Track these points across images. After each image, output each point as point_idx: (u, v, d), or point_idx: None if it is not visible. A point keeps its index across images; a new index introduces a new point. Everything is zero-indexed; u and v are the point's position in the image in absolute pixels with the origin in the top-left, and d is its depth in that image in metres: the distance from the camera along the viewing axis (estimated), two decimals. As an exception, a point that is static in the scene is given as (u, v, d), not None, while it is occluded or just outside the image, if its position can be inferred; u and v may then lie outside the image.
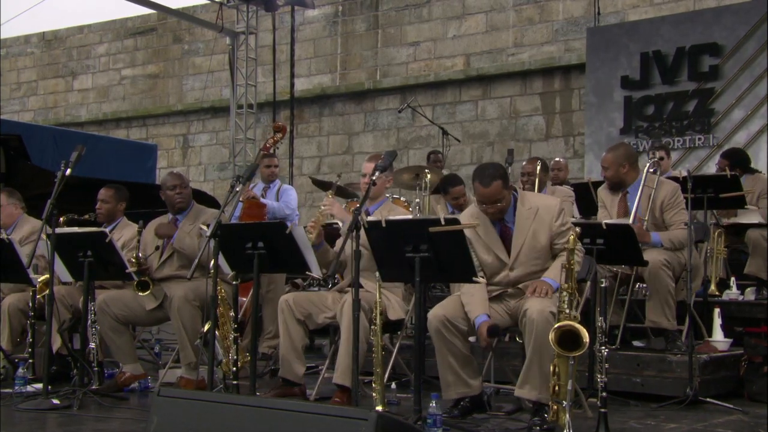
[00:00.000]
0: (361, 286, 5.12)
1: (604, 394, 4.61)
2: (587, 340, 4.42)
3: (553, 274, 5.02)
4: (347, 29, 16.61)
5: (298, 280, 8.86)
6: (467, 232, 4.96)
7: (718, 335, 6.45)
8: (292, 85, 15.44)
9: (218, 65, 16.60)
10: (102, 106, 19.39)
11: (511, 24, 15.09)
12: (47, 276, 6.13)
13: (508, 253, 5.21)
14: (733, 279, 7.44)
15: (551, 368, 4.56)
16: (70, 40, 19.96)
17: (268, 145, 8.51)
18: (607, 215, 6.49)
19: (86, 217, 7.08)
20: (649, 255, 6.06)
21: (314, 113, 16.73)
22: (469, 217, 5.27)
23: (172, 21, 18.22)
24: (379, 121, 16.07)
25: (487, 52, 15.23)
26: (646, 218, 6.29)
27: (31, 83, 20.34)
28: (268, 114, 15.71)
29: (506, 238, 5.23)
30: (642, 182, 6.33)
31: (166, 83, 18.64)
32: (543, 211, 5.17)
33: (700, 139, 12.27)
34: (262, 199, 8.58)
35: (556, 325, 4.51)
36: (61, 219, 6.94)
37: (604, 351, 4.67)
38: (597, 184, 7.98)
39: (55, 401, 5.64)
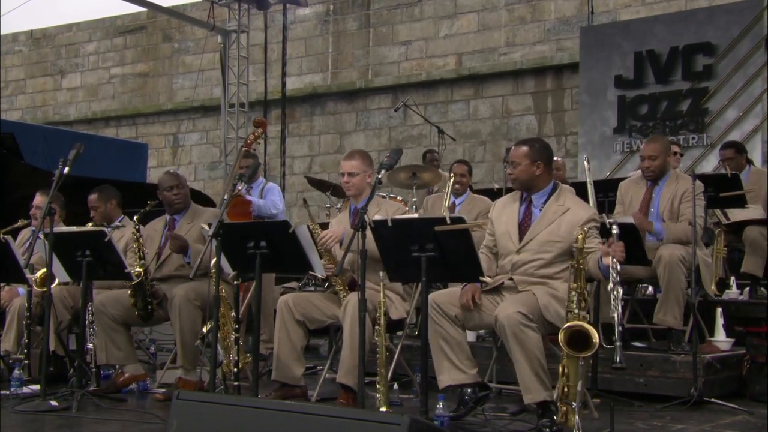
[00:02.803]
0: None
1: (620, 328, 4.41)
2: (597, 340, 4.38)
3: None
4: (339, 28, 16.55)
5: (293, 284, 8.81)
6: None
7: (720, 335, 6.42)
8: (284, 84, 15.36)
9: (209, 64, 16.50)
10: (91, 104, 19.26)
11: (503, 23, 15.08)
12: (44, 271, 6.03)
13: (520, 237, 5.17)
14: (732, 278, 7.41)
15: (560, 369, 4.51)
16: (59, 38, 19.82)
17: (249, 141, 8.45)
18: (622, 213, 6.46)
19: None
20: (665, 249, 6.04)
21: (305, 112, 16.67)
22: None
23: (161, 19, 18.12)
24: (371, 120, 16.03)
25: (479, 51, 15.20)
26: (662, 211, 6.29)
27: (19, 82, 20.18)
28: (259, 113, 15.56)
29: (525, 223, 5.20)
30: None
31: (156, 82, 18.53)
32: (573, 212, 5.08)
33: (693, 138, 12.29)
34: (247, 197, 8.50)
35: (565, 325, 4.47)
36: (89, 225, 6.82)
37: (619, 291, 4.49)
38: (596, 184, 7.95)
39: (54, 403, 5.56)
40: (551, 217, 5.12)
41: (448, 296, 5.19)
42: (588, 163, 6.80)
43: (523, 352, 4.74)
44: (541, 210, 5.18)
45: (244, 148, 8.41)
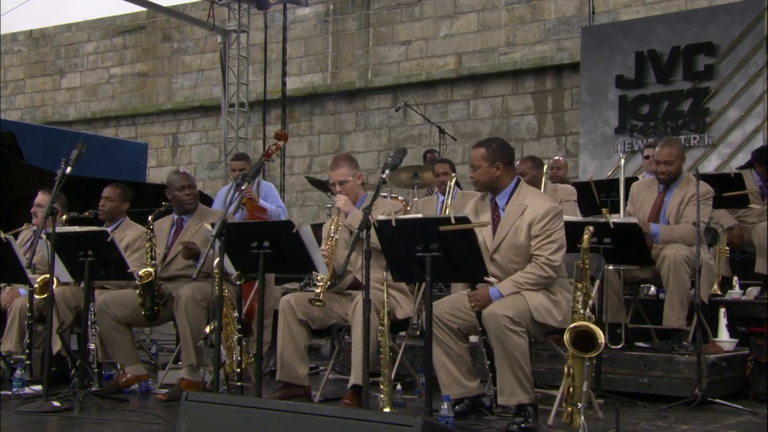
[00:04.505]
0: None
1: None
2: (602, 340, 4.37)
3: (504, 286, 4.97)
4: (338, 28, 16.53)
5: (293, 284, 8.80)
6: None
7: (723, 335, 6.40)
8: (284, 84, 15.35)
9: (208, 64, 16.49)
10: (90, 104, 19.24)
11: (503, 23, 15.06)
12: (46, 276, 6.01)
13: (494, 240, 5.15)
14: (735, 278, 7.39)
15: (565, 369, 4.50)
16: (58, 38, 19.80)
17: (270, 152, 8.49)
18: (633, 213, 6.43)
19: (86, 214, 6.93)
20: (669, 249, 6.02)
21: (305, 112, 16.65)
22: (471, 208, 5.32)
23: (161, 19, 18.09)
24: (371, 120, 16.01)
25: (479, 51, 15.19)
26: (669, 214, 6.27)
27: (18, 81, 20.15)
28: (258, 113, 15.61)
29: (495, 226, 5.17)
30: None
31: (156, 82, 18.50)
32: (529, 210, 5.07)
33: (695, 138, 12.27)
34: (261, 203, 8.50)
35: (571, 326, 4.46)
36: (64, 217, 6.81)
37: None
38: (598, 183, 7.96)
39: (56, 403, 5.54)
40: (512, 219, 5.10)
41: (449, 307, 5.14)
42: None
43: (504, 354, 4.78)
44: (504, 210, 5.17)
45: (264, 158, 8.46)
